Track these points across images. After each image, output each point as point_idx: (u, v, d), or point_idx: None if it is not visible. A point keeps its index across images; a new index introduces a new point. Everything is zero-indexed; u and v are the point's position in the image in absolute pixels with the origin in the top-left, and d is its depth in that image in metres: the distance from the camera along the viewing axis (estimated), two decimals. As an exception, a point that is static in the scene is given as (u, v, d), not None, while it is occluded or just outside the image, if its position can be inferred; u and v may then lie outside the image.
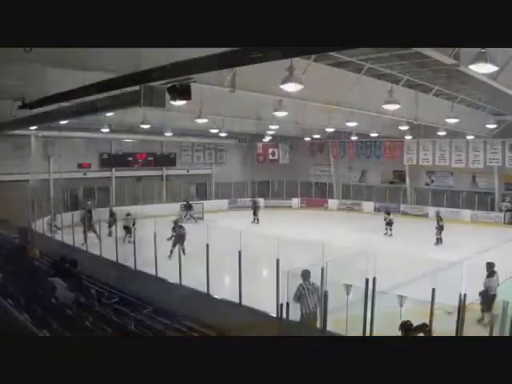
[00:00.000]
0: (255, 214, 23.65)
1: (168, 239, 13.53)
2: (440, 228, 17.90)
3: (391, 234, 19.32)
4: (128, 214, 16.72)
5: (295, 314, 7.45)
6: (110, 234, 16.02)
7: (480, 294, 8.04)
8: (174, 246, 13.74)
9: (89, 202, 21.00)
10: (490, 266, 8.92)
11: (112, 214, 17.98)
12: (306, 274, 7.49)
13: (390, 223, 19.61)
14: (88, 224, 16.28)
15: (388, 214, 20.00)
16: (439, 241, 17.73)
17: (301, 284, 7.49)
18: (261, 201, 28.11)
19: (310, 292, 7.45)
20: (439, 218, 18.16)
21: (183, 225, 15.60)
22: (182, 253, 11.86)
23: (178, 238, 14.10)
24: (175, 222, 15.16)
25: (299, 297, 7.45)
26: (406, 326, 5.65)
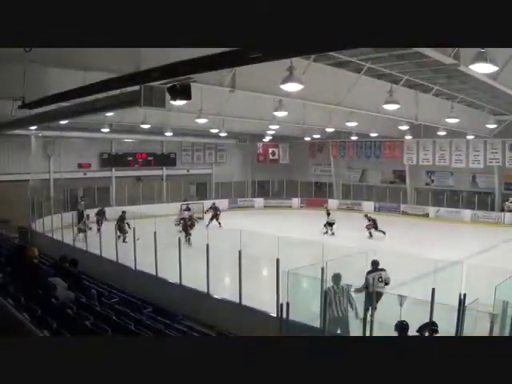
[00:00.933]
0: (215, 218, 21.47)
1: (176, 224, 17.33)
2: (371, 226, 18.78)
3: (333, 233, 19.14)
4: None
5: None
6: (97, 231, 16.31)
7: (356, 289, 7.95)
8: (186, 233, 16.38)
9: (82, 202, 21.00)
10: (374, 263, 8.71)
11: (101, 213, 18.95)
12: (336, 279, 7.27)
13: (330, 224, 19.44)
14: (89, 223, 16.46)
15: (328, 214, 19.81)
16: (382, 233, 18.53)
17: (329, 288, 7.26)
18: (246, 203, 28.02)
19: (337, 296, 7.23)
20: (368, 218, 19.24)
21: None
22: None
23: (183, 227, 16.77)
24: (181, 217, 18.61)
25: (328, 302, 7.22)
26: (401, 326, 5.60)
